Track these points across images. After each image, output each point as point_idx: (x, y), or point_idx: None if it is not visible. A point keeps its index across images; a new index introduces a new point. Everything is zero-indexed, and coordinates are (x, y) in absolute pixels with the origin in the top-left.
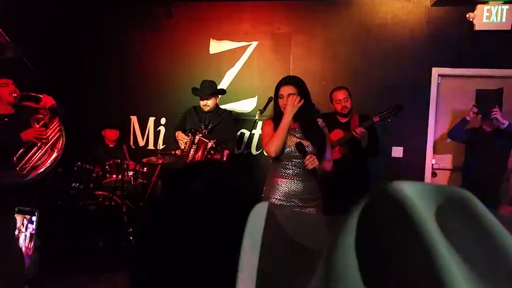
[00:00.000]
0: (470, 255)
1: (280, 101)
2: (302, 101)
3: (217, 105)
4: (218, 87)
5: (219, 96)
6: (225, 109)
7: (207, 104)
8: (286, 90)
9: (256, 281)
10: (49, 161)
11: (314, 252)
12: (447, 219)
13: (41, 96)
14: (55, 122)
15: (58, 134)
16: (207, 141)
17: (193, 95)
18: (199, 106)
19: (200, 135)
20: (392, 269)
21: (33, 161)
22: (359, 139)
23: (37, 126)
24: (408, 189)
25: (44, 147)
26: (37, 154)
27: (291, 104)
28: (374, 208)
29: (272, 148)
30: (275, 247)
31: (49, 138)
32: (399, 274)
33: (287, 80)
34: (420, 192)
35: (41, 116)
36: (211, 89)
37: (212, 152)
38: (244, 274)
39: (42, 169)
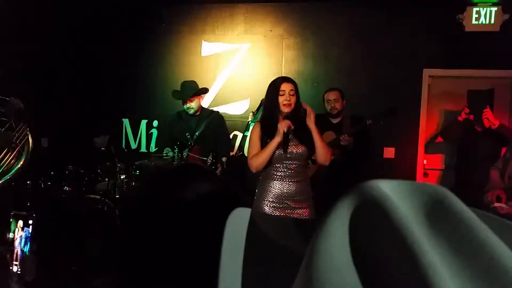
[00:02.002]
0: (452, 251)
1: (281, 98)
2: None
3: (201, 107)
4: (210, 89)
5: (203, 96)
6: (211, 110)
7: (191, 106)
8: (287, 86)
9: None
10: (17, 166)
11: (295, 255)
12: (427, 216)
13: (8, 99)
14: (22, 126)
15: (26, 138)
16: (201, 157)
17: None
18: (183, 110)
19: (187, 149)
20: (376, 270)
21: (1, 167)
22: (346, 144)
23: (2, 130)
24: (385, 187)
25: (12, 152)
26: (4, 159)
27: (282, 128)
28: (353, 209)
29: (255, 165)
30: (256, 252)
31: (17, 142)
32: (383, 274)
33: (286, 78)
34: (397, 190)
35: (6, 120)
36: (193, 90)
37: (213, 167)
38: (225, 281)
39: (9, 175)
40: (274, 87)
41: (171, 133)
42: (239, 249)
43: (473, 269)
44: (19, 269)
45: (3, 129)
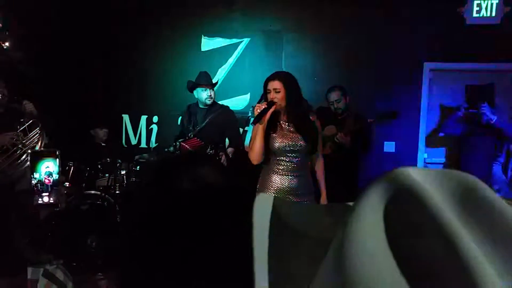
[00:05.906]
0: (486, 237)
1: (268, 96)
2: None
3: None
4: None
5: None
6: (221, 104)
7: (211, 95)
8: (272, 85)
9: (268, 272)
10: (22, 167)
11: (320, 241)
12: (460, 204)
13: (23, 101)
14: (35, 128)
15: (36, 140)
16: (193, 149)
17: (184, 92)
18: (194, 103)
19: (181, 140)
20: (412, 257)
21: (3, 166)
22: (343, 142)
23: (19, 130)
24: (417, 175)
25: (19, 153)
26: (9, 159)
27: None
28: (386, 198)
29: (252, 157)
30: (282, 238)
31: (26, 143)
32: (419, 261)
33: (274, 75)
34: (428, 178)
35: (23, 120)
36: (211, 79)
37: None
38: (259, 266)
39: (11, 174)
40: (264, 86)
41: (182, 126)
42: (266, 235)
43: (508, 254)
44: (51, 199)
45: (20, 129)
